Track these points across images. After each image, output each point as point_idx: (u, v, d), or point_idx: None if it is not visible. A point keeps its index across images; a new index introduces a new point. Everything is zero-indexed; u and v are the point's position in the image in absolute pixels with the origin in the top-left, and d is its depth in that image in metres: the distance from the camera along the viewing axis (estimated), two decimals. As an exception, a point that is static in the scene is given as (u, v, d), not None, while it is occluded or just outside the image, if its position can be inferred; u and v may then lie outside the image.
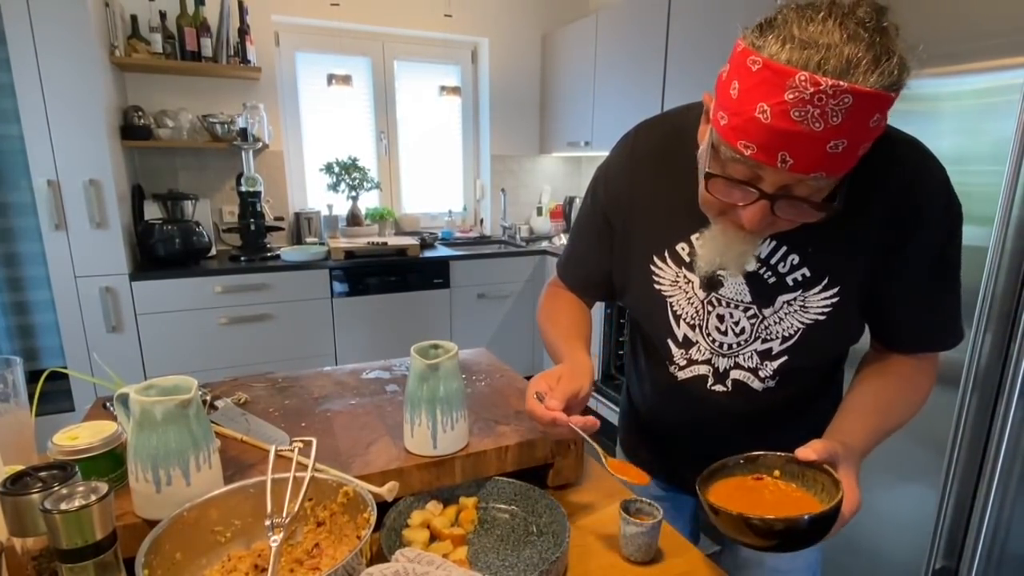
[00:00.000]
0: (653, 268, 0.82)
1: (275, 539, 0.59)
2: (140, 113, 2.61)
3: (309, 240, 3.07)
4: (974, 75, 1.29)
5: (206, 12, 2.63)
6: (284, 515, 0.62)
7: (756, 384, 0.80)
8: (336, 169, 3.14)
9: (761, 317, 0.76)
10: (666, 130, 0.82)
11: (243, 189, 2.70)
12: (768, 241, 0.73)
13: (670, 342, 0.83)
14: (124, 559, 0.56)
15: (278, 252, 2.79)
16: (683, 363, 0.83)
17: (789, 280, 0.74)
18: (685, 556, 0.75)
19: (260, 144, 2.77)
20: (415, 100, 3.44)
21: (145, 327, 2.46)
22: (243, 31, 2.72)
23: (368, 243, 2.88)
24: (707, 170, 0.63)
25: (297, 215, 3.10)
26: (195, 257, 2.63)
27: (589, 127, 3.14)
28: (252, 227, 2.76)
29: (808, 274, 0.73)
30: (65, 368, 2.30)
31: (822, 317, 0.74)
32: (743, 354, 0.79)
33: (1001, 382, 1.32)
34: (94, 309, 2.36)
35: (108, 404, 0.91)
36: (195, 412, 0.66)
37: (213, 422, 0.83)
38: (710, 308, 0.79)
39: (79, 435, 0.69)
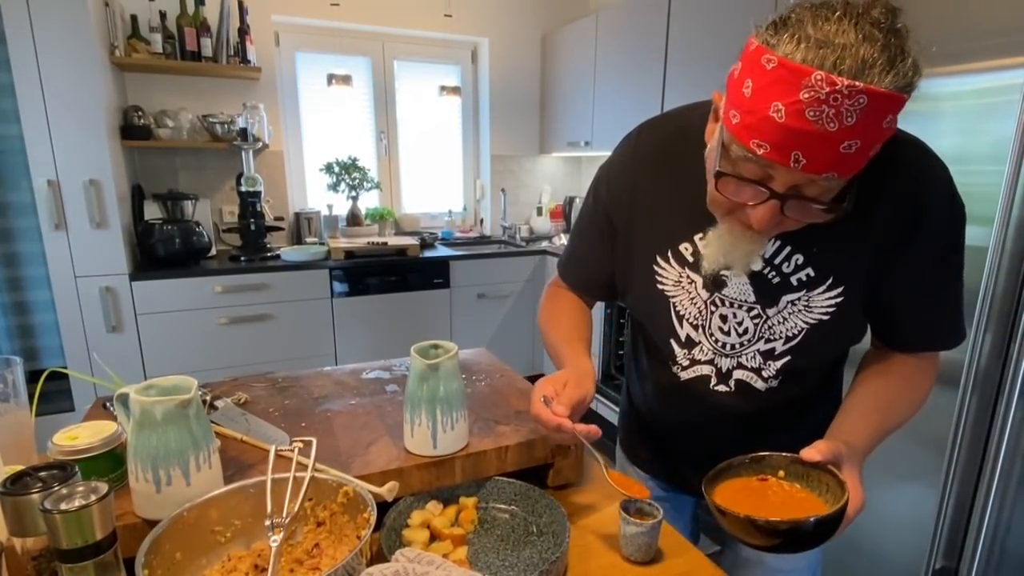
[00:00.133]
0: (656, 268, 0.81)
1: (275, 539, 0.59)
2: (140, 113, 2.61)
3: (309, 240, 3.07)
4: (974, 75, 1.29)
5: (206, 12, 2.63)
6: (284, 515, 0.62)
7: (759, 384, 0.80)
8: (336, 169, 3.14)
9: (765, 317, 0.76)
10: (669, 130, 0.82)
11: (243, 189, 2.70)
12: (772, 241, 0.73)
13: (673, 342, 0.83)
14: (124, 559, 0.56)
15: (278, 252, 2.79)
16: (686, 363, 0.83)
17: (793, 280, 0.74)
18: (685, 556, 0.75)
19: (260, 144, 2.77)
20: (415, 100, 3.44)
21: (145, 327, 2.46)
22: (243, 31, 2.72)
23: (368, 243, 2.88)
24: (718, 169, 0.63)
25: (297, 215, 3.11)
26: (195, 257, 2.63)
27: (589, 127, 3.14)
28: (252, 227, 2.76)
29: (812, 274, 0.73)
30: (65, 368, 2.30)
31: (826, 317, 0.74)
32: (746, 354, 0.79)
33: (1001, 382, 1.32)
34: (94, 309, 2.36)
35: (108, 404, 0.91)
36: (195, 412, 0.66)
37: (213, 422, 0.83)
38: (713, 308, 0.79)
39: (79, 435, 0.69)
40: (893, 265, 0.72)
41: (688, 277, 0.79)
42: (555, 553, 0.71)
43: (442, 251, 3.09)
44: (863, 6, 0.54)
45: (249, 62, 2.73)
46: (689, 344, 0.82)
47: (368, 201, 3.38)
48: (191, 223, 2.62)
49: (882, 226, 0.70)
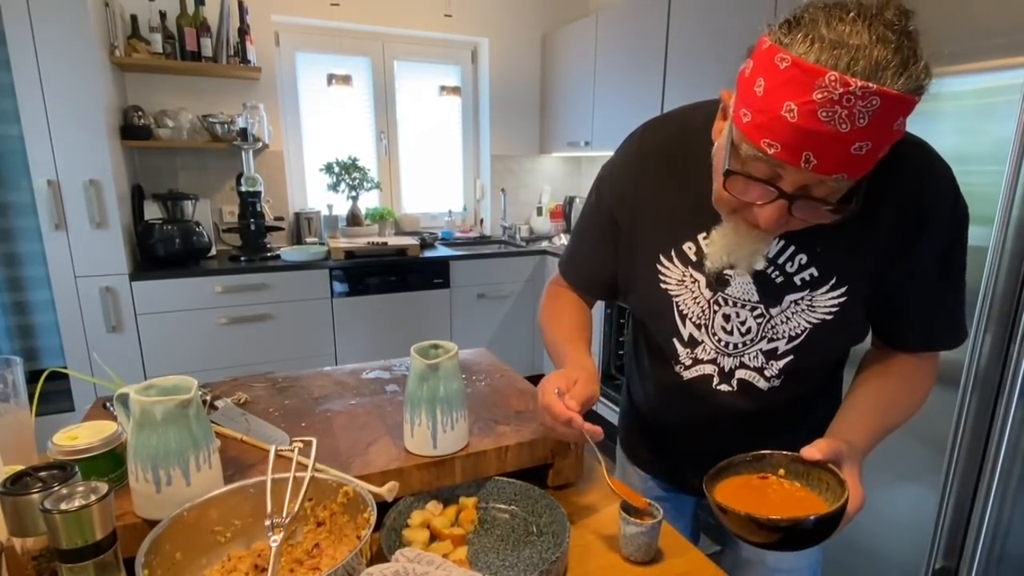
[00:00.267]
0: (659, 267, 0.81)
1: (275, 539, 0.59)
2: (140, 113, 2.61)
3: (309, 240, 3.07)
4: (974, 75, 1.29)
5: (206, 12, 2.63)
6: (284, 515, 0.62)
7: (761, 383, 0.80)
8: (336, 169, 3.14)
9: (768, 316, 0.76)
10: (673, 129, 0.82)
11: (243, 189, 2.70)
12: (776, 240, 0.73)
13: (676, 341, 0.83)
14: (124, 559, 0.56)
15: (278, 252, 2.79)
16: (688, 362, 0.83)
17: (797, 280, 0.74)
18: (685, 556, 0.75)
19: (260, 144, 2.77)
20: (415, 100, 3.44)
21: (145, 327, 2.46)
22: (243, 31, 2.72)
23: (368, 243, 2.88)
24: (727, 167, 0.63)
25: (297, 215, 3.10)
26: (195, 257, 2.63)
27: (589, 127, 3.14)
28: (252, 227, 2.76)
29: (816, 274, 0.73)
30: (65, 368, 2.30)
31: (829, 317, 0.74)
32: (748, 353, 0.79)
33: (1001, 382, 1.32)
34: (94, 309, 2.36)
35: (108, 404, 0.91)
36: (195, 412, 0.66)
37: (213, 422, 0.83)
38: (716, 307, 0.79)
39: (79, 435, 0.69)
40: (897, 265, 0.72)
41: (691, 276, 0.79)
42: (555, 553, 0.71)
43: (442, 251, 3.09)
44: (876, 7, 0.54)
45: (249, 62, 2.73)
46: (692, 343, 0.82)
47: (368, 201, 3.38)
48: (191, 223, 2.62)
49: (886, 227, 0.70)
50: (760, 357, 0.79)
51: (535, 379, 0.82)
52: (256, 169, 2.79)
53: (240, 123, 2.72)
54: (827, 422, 0.76)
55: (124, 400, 0.74)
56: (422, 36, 3.31)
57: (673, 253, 0.80)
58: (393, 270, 2.86)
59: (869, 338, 0.83)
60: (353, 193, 3.19)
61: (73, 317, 2.34)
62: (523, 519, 0.80)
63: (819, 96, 0.52)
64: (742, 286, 0.76)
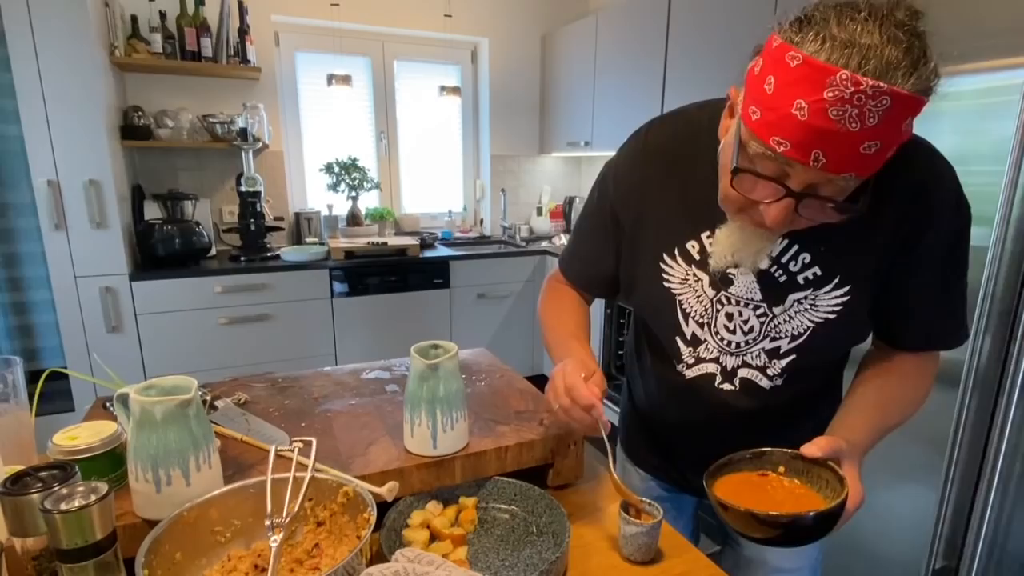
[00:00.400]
0: (663, 266, 0.82)
1: (275, 539, 0.59)
2: (140, 113, 2.61)
3: (309, 240, 3.07)
4: (974, 75, 1.29)
5: (206, 12, 2.63)
6: (284, 515, 0.62)
7: (764, 382, 0.80)
8: (336, 169, 3.14)
9: (771, 315, 0.76)
10: (678, 128, 0.82)
11: (243, 189, 2.70)
12: (780, 239, 0.73)
13: (678, 340, 0.83)
14: (124, 559, 0.56)
15: (278, 252, 2.79)
16: (691, 361, 0.83)
17: (800, 279, 0.74)
18: (685, 556, 0.75)
19: (260, 144, 2.77)
20: (415, 100, 3.44)
21: (145, 327, 2.46)
22: (243, 31, 2.72)
23: (368, 243, 2.88)
24: (735, 165, 0.63)
25: (297, 215, 3.10)
26: (195, 257, 2.63)
27: (589, 127, 3.14)
28: (252, 227, 2.76)
29: (819, 273, 0.73)
30: (65, 368, 2.30)
31: (832, 316, 0.74)
32: (751, 352, 0.79)
33: (1001, 382, 1.32)
34: (94, 309, 2.36)
35: (108, 404, 0.91)
36: (195, 412, 0.66)
37: (213, 422, 0.83)
38: (719, 306, 0.79)
39: (79, 435, 0.69)
40: (899, 265, 0.72)
41: (695, 275, 0.79)
42: (555, 553, 0.71)
43: (442, 251, 3.09)
44: (887, 7, 0.54)
45: (249, 62, 2.73)
46: (695, 342, 0.82)
47: (368, 201, 3.38)
48: (191, 223, 2.62)
49: (889, 226, 0.70)
50: (763, 356, 0.79)
51: (535, 379, 0.82)
52: (256, 169, 2.79)
53: (240, 123, 2.71)
54: (828, 421, 0.76)
55: (124, 400, 0.74)
56: (422, 36, 3.31)
57: (676, 252, 0.80)
58: (393, 270, 2.86)
59: (870, 338, 0.83)
60: (353, 193, 3.19)
61: (73, 317, 2.34)
62: (523, 519, 0.80)
63: (830, 95, 0.52)
64: (745, 285, 0.76)
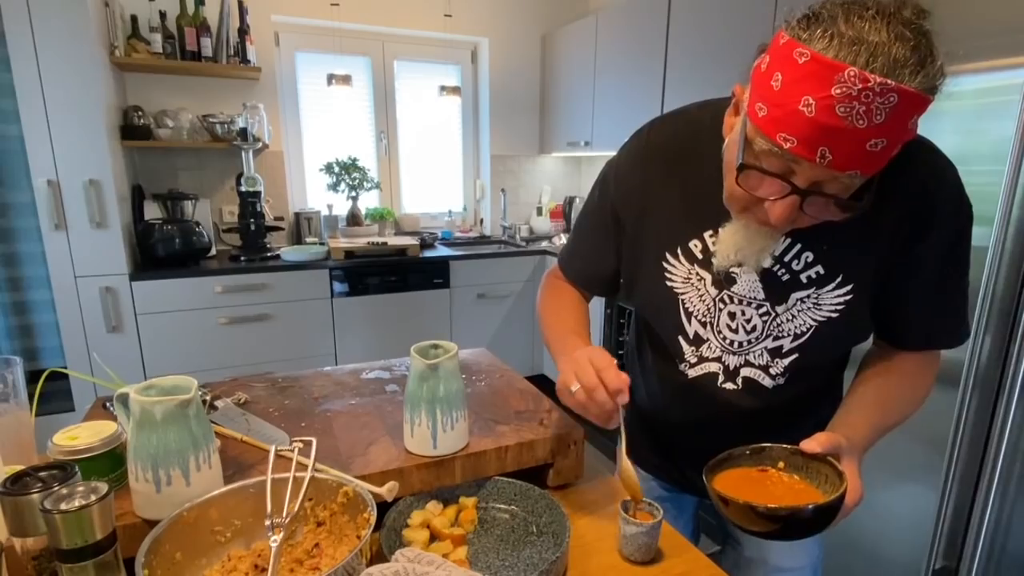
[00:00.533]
0: (665, 265, 0.82)
1: (275, 539, 0.59)
2: (140, 113, 2.61)
3: (309, 240, 3.07)
4: (974, 75, 1.29)
5: (206, 12, 2.63)
6: (284, 515, 0.62)
7: (767, 381, 0.80)
8: (336, 169, 3.14)
9: (774, 314, 0.77)
10: (680, 127, 0.82)
11: (243, 189, 2.70)
12: (783, 238, 0.73)
13: (681, 339, 0.83)
14: (124, 559, 0.56)
15: (278, 252, 2.79)
16: (694, 360, 0.83)
17: (803, 277, 0.74)
18: (685, 556, 0.75)
19: (260, 144, 2.77)
20: (415, 100, 3.44)
21: (145, 327, 2.46)
22: (243, 31, 2.72)
23: (368, 243, 2.88)
24: (741, 161, 0.63)
25: (297, 215, 3.10)
26: (195, 257, 2.63)
27: (589, 127, 3.14)
28: (252, 227, 2.76)
29: (822, 272, 0.74)
30: (65, 368, 2.30)
31: (835, 315, 0.74)
32: (754, 352, 0.79)
33: (1001, 382, 1.32)
34: (94, 309, 2.36)
35: (108, 404, 0.91)
36: (195, 412, 0.66)
37: (213, 422, 0.83)
38: (721, 305, 0.79)
39: (79, 435, 0.69)
40: (901, 263, 0.72)
41: (697, 274, 0.79)
42: (555, 553, 0.71)
43: (442, 251, 3.09)
44: (894, 5, 0.54)
45: (249, 62, 2.73)
46: (697, 341, 0.82)
47: (368, 201, 3.38)
48: (191, 223, 2.62)
49: (891, 225, 0.70)
50: (765, 355, 0.79)
51: (535, 379, 0.82)
52: (256, 169, 2.79)
53: (240, 123, 2.72)
54: (830, 420, 0.76)
55: (124, 400, 0.74)
56: (422, 36, 3.31)
57: (679, 251, 0.80)
58: (393, 270, 2.86)
59: (871, 338, 0.83)
60: (353, 193, 3.19)
61: (73, 317, 2.34)
62: (523, 519, 0.80)
63: (838, 91, 0.52)
64: (748, 284, 0.76)
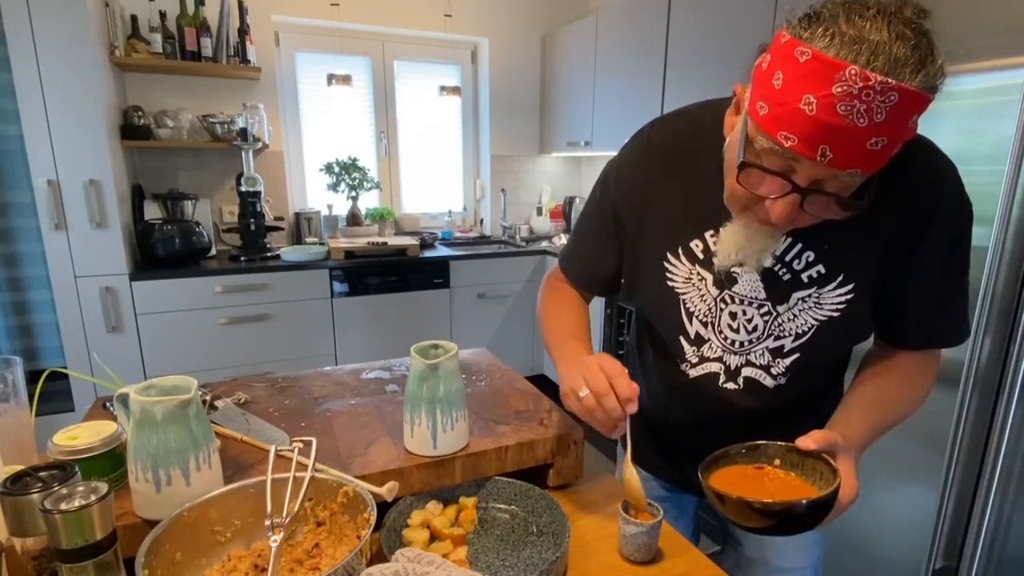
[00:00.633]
0: (666, 265, 0.82)
1: (275, 539, 0.59)
2: (140, 113, 2.61)
3: (309, 240, 3.07)
4: (974, 75, 1.29)
5: (206, 12, 2.63)
6: (284, 515, 0.62)
7: (768, 381, 0.80)
8: (336, 169, 3.14)
9: (775, 314, 0.77)
10: (681, 127, 0.82)
11: (243, 189, 2.70)
12: (784, 238, 0.73)
13: (682, 339, 0.83)
14: (124, 559, 0.56)
15: (278, 252, 2.79)
16: (695, 360, 0.83)
17: (804, 277, 0.74)
18: (685, 556, 0.75)
19: (260, 144, 2.77)
20: (415, 100, 3.44)
21: (145, 327, 2.46)
22: (243, 31, 2.72)
23: (368, 243, 2.88)
24: (742, 160, 0.63)
25: (297, 215, 3.10)
26: (195, 257, 2.63)
27: (589, 127, 3.14)
28: (252, 227, 2.76)
29: (823, 271, 0.74)
30: (65, 368, 2.30)
31: (836, 314, 0.74)
32: (755, 351, 0.79)
33: (1001, 382, 1.32)
34: (94, 309, 2.36)
35: (108, 404, 0.91)
36: (195, 412, 0.66)
37: (213, 422, 0.83)
38: (723, 305, 0.79)
39: (79, 435, 0.69)
40: (901, 263, 0.72)
41: (698, 274, 0.80)
42: (555, 553, 0.71)
43: (442, 251, 3.09)
44: (895, 5, 0.54)
45: (249, 62, 2.73)
46: (698, 341, 0.82)
47: (368, 201, 3.38)
48: (191, 223, 2.62)
49: (892, 223, 0.70)
50: (767, 355, 0.79)
51: (535, 379, 0.82)
52: (256, 169, 2.79)
53: (240, 123, 2.72)
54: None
55: (124, 400, 0.74)
56: (422, 36, 3.31)
57: (680, 250, 0.80)
58: (393, 270, 2.86)
59: (872, 337, 0.83)
60: (353, 193, 3.19)
61: (73, 317, 2.34)
62: (523, 519, 0.80)
63: (839, 90, 0.53)
64: (749, 284, 0.77)
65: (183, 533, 0.62)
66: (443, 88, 3.37)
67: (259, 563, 0.64)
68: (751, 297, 0.77)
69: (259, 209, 2.76)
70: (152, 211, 2.68)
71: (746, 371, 0.80)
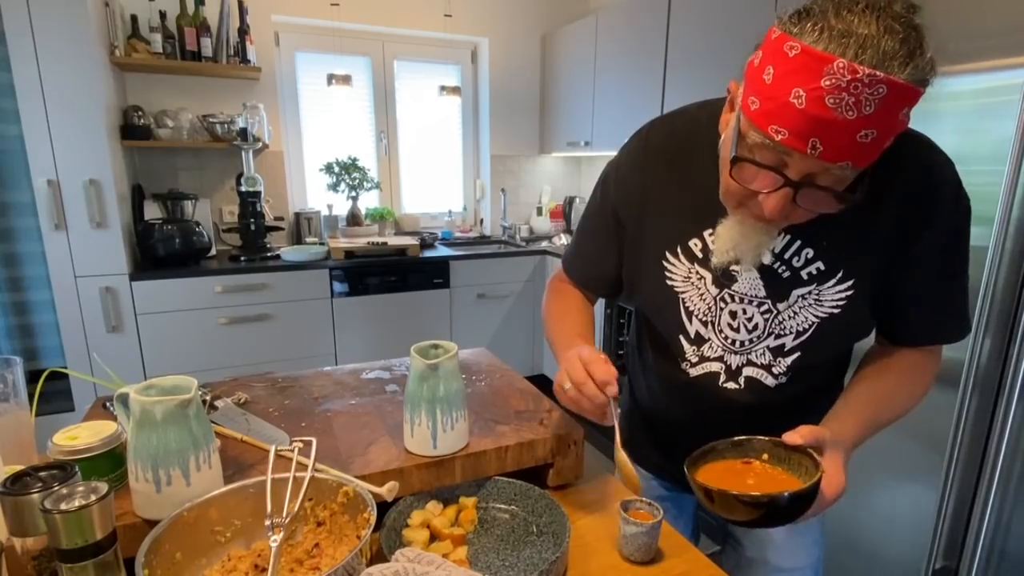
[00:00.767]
0: (666, 264, 0.82)
1: (275, 539, 0.59)
2: (140, 113, 2.61)
3: (309, 240, 3.07)
4: (974, 75, 1.29)
5: (206, 12, 2.63)
6: (284, 515, 0.62)
7: (769, 380, 0.80)
8: (336, 169, 3.14)
9: (775, 312, 0.77)
10: (679, 127, 0.82)
11: (243, 189, 2.70)
12: (782, 235, 0.74)
13: (682, 339, 0.83)
14: (124, 559, 0.56)
15: (278, 252, 2.79)
16: (695, 360, 0.83)
17: (803, 274, 0.75)
18: (685, 556, 0.75)
19: (260, 144, 2.77)
20: (415, 100, 3.44)
21: (145, 327, 2.46)
22: (243, 31, 2.72)
23: (368, 243, 2.88)
24: (735, 154, 0.63)
25: (297, 215, 3.10)
26: (195, 257, 2.63)
27: (589, 127, 3.14)
28: (252, 227, 2.76)
29: (823, 268, 0.74)
30: (65, 368, 2.30)
31: (836, 311, 0.75)
32: (755, 351, 0.79)
33: (1001, 382, 1.32)
34: (94, 309, 2.36)
35: (108, 404, 0.91)
36: (195, 412, 0.66)
37: (213, 422, 0.83)
38: (723, 304, 0.79)
39: (79, 435, 0.69)
40: (900, 259, 0.72)
41: (697, 273, 0.80)
42: (555, 553, 0.71)
43: (442, 251, 3.09)
44: (884, 0, 0.55)
45: (249, 62, 2.73)
46: (698, 341, 0.82)
47: (368, 201, 3.38)
48: (191, 223, 2.62)
49: (891, 220, 0.71)
50: (768, 354, 0.79)
51: (535, 379, 0.82)
52: (256, 169, 2.79)
53: (240, 123, 2.72)
54: None
55: (124, 400, 0.74)
56: (422, 36, 3.31)
57: (679, 250, 0.80)
58: (393, 270, 2.86)
59: (871, 336, 0.83)
60: (353, 193, 3.19)
61: (73, 317, 2.34)
62: (523, 519, 0.80)
63: (827, 83, 0.53)
64: (749, 282, 0.77)
65: (183, 533, 0.62)
66: (443, 88, 3.37)
67: (259, 563, 0.64)
68: (751, 295, 0.77)
69: (259, 209, 2.76)
70: (152, 211, 2.68)
71: (747, 371, 0.80)
